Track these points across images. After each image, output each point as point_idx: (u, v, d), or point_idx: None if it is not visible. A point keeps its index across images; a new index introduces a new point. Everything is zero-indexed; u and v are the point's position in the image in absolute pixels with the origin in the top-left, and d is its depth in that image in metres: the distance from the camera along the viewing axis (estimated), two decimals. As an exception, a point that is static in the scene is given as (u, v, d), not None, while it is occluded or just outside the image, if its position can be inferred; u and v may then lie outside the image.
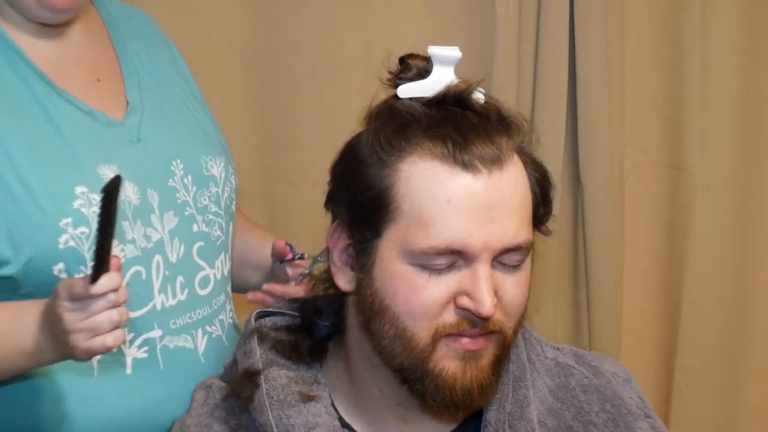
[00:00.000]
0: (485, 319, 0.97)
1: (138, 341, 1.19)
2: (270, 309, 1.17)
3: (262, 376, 1.07)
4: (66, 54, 1.22)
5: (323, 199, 1.08)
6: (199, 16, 1.75)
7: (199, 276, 1.27)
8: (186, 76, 1.39)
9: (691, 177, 1.86)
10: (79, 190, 1.13)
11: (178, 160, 1.25)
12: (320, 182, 1.09)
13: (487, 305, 0.96)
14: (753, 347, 1.95)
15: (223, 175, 1.31)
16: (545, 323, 1.84)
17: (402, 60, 1.06)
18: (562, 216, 1.83)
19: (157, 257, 1.21)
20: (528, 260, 1.02)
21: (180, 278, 1.24)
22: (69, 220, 1.12)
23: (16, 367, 1.09)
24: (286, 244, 1.37)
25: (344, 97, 1.72)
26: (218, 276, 1.30)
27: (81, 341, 1.00)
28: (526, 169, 1.02)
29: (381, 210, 0.98)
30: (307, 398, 1.06)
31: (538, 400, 1.10)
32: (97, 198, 1.10)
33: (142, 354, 1.19)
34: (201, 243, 1.27)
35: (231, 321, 1.34)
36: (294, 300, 1.18)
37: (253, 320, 1.14)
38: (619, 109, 1.80)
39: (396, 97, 1.03)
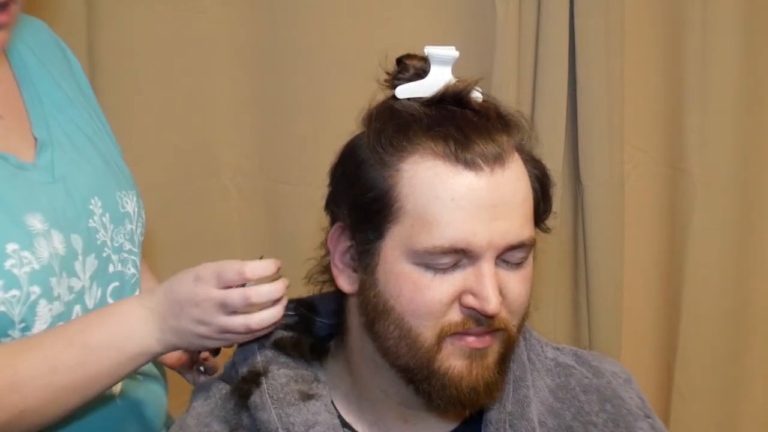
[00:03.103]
0: (491, 317, 0.97)
1: None
2: None
3: (263, 377, 1.08)
4: None
5: (323, 200, 1.08)
6: (199, 17, 1.75)
7: None
8: (86, 92, 1.31)
9: (691, 177, 1.86)
10: (10, 248, 1.06)
11: (96, 198, 1.20)
12: (320, 183, 1.09)
13: (493, 303, 0.96)
14: (753, 347, 1.95)
15: (136, 210, 1.27)
16: (545, 323, 1.84)
17: (399, 60, 1.06)
18: (562, 216, 1.83)
19: (77, 308, 1.16)
20: (530, 257, 1.02)
21: None
22: (0, 282, 1.05)
23: (115, 378, 1.06)
24: None
25: (344, 97, 1.72)
26: None
27: (213, 338, 1.04)
28: (526, 167, 1.02)
29: (383, 210, 0.98)
30: (307, 397, 1.07)
31: (538, 399, 1.10)
32: (28, 255, 1.07)
33: None
34: (116, 283, 1.23)
35: None
36: (289, 301, 1.18)
37: None
38: (619, 109, 1.80)
39: (394, 97, 1.03)
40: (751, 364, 1.95)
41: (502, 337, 1.01)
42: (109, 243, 1.21)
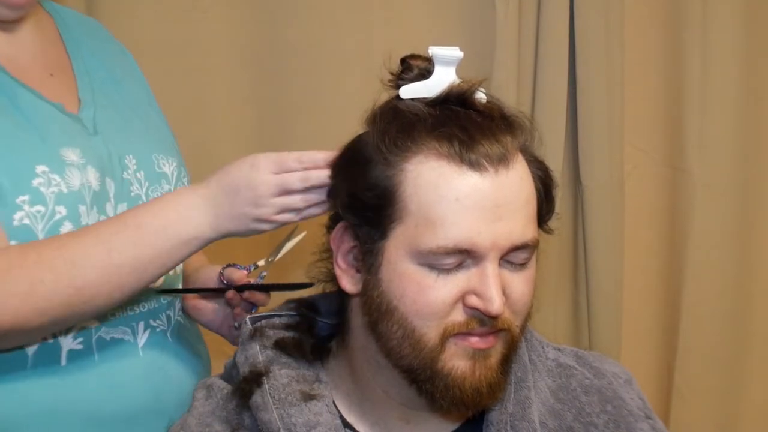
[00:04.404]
0: (494, 318, 0.97)
1: (74, 331, 1.17)
2: (262, 314, 1.17)
3: (264, 377, 1.07)
4: (19, 49, 1.23)
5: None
6: (199, 17, 1.75)
7: None
8: (143, 85, 1.40)
9: (691, 177, 1.87)
10: (39, 168, 1.13)
11: (131, 155, 1.26)
12: (321, 182, 1.09)
13: (496, 303, 0.96)
14: (753, 347, 1.95)
15: (175, 174, 1.31)
16: (545, 323, 1.84)
17: (403, 60, 1.06)
18: (563, 216, 1.83)
19: None
20: (534, 258, 1.02)
21: None
22: (26, 197, 1.11)
23: (168, 262, 1.11)
24: (229, 266, 1.35)
25: (344, 97, 1.73)
26: (170, 272, 1.28)
27: (269, 220, 1.09)
28: (529, 168, 1.02)
29: (387, 210, 0.98)
30: (309, 397, 1.07)
31: (539, 400, 1.10)
32: (57, 179, 1.13)
33: (77, 345, 1.17)
34: None
35: (179, 318, 1.33)
36: (289, 301, 1.18)
37: (249, 323, 1.14)
38: (619, 109, 1.80)
39: (398, 97, 1.03)
40: (751, 364, 1.95)
41: (505, 337, 1.01)
42: (144, 197, 1.26)
